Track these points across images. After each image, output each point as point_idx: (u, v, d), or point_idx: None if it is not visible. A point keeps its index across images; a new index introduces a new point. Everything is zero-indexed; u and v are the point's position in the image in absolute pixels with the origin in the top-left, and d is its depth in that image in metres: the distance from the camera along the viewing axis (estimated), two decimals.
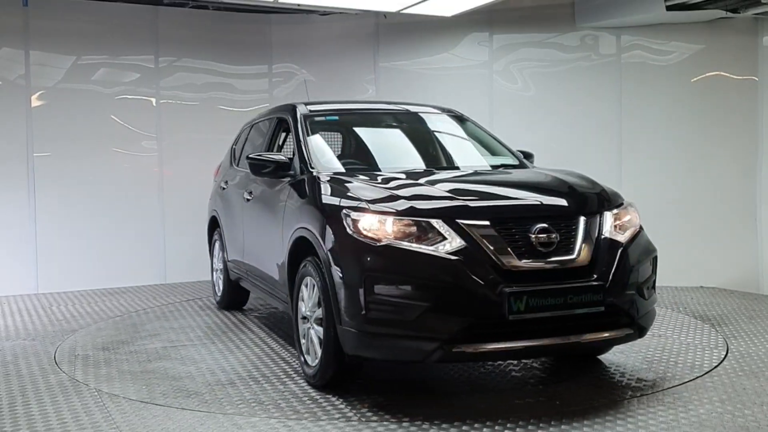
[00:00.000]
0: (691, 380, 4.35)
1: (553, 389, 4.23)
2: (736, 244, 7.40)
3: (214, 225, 6.95)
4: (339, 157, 5.29)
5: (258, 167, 4.96)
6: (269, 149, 5.68)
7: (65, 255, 7.90)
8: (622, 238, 4.11)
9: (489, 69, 8.35)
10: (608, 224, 4.11)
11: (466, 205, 3.96)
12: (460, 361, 4.35)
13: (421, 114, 5.72)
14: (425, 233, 3.82)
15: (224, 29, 8.75)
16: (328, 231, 4.07)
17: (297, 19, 8.87)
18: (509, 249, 3.79)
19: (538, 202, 4.21)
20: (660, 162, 7.70)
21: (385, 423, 3.70)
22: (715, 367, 4.64)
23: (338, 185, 4.38)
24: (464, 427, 3.62)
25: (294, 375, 4.59)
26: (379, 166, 5.02)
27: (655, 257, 4.31)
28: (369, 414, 3.84)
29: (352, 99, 8.30)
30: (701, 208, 7.55)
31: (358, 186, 4.32)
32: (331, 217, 4.10)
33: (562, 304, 3.78)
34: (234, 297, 6.65)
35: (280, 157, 4.99)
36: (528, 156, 5.35)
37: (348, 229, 3.94)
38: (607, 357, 4.87)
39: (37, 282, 7.81)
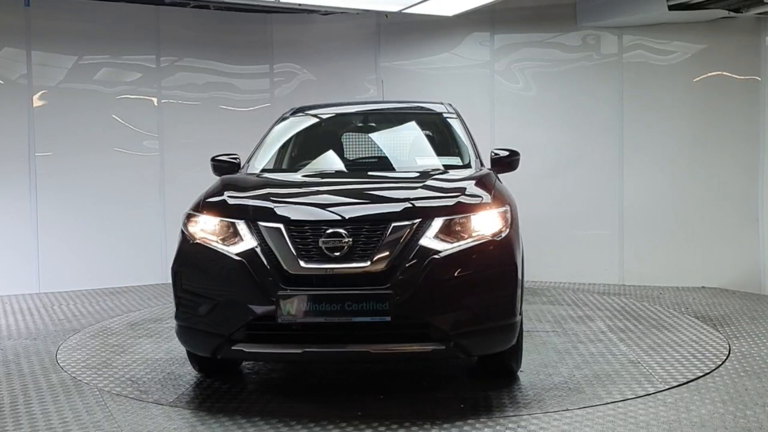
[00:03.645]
0: (692, 380, 4.34)
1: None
2: (738, 244, 7.39)
3: None
4: (289, 158, 5.37)
5: (215, 168, 5.11)
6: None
7: (66, 254, 7.90)
8: (443, 246, 3.79)
9: (490, 69, 8.34)
10: (431, 232, 3.81)
11: (269, 208, 4.05)
12: (242, 359, 4.26)
13: (398, 113, 5.79)
14: (229, 233, 3.96)
15: (226, 29, 8.75)
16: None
17: (298, 18, 8.87)
18: (295, 252, 3.77)
19: (344, 208, 4.00)
20: (662, 162, 7.70)
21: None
22: (717, 367, 4.63)
23: (220, 184, 4.53)
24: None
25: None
26: (305, 167, 5.20)
27: (510, 271, 3.92)
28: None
29: (351, 99, 8.30)
30: (703, 208, 7.55)
31: (229, 183, 4.50)
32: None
33: (338, 311, 3.66)
34: None
35: (232, 159, 5.12)
36: (514, 154, 5.05)
37: (182, 226, 4.22)
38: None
39: (39, 281, 7.81)
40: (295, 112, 5.79)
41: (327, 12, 8.64)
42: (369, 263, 3.74)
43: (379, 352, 3.73)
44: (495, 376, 4.37)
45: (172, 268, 4.14)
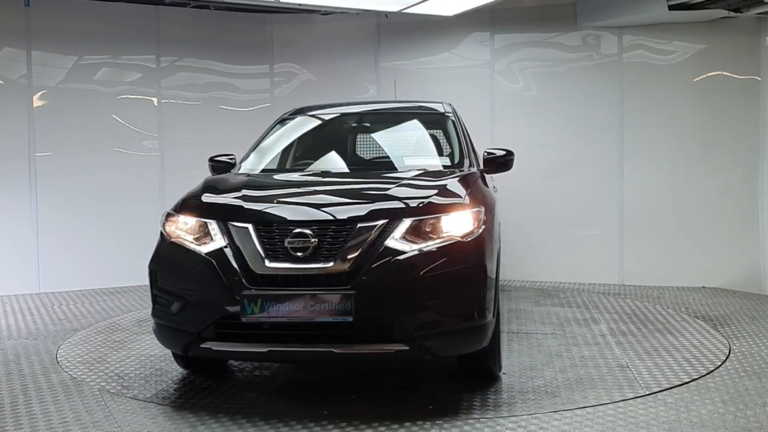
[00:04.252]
0: (693, 380, 4.34)
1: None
2: (738, 244, 7.40)
3: None
4: (278, 159, 5.41)
5: (213, 168, 5.28)
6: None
7: (67, 254, 7.90)
8: (409, 247, 3.78)
9: (490, 69, 8.35)
10: (398, 233, 3.81)
11: (240, 208, 4.09)
12: (211, 357, 4.28)
13: (392, 114, 5.80)
14: (202, 233, 4.02)
15: (226, 29, 8.75)
16: None
17: (298, 18, 8.87)
18: (262, 252, 3.81)
19: (312, 208, 4.05)
20: (661, 162, 7.70)
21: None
22: (717, 367, 4.63)
23: (203, 184, 4.61)
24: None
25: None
26: (290, 168, 5.28)
27: (478, 273, 3.87)
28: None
29: (351, 100, 8.30)
30: (703, 208, 7.55)
31: (210, 184, 4.58)
32: None
33: (301, 311, 3.69)
34: None
35: (230, 159, 5.28)
36: (508, 155, 5.01)
37: (160, 226, 4.27)
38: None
39: (39, 281, 7.81)
40: (293, 113, 5.84)
41: (327, 12, 8.65)
42: (332, 264, 3.75)
43: (342, 352, 3.72)
44: (475, 378, 4.34)
45: (149, 266, 4.21)
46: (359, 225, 3.82)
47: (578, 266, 7.98)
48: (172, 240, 4.13)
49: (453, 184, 4.32)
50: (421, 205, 3.96)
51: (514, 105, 8.25)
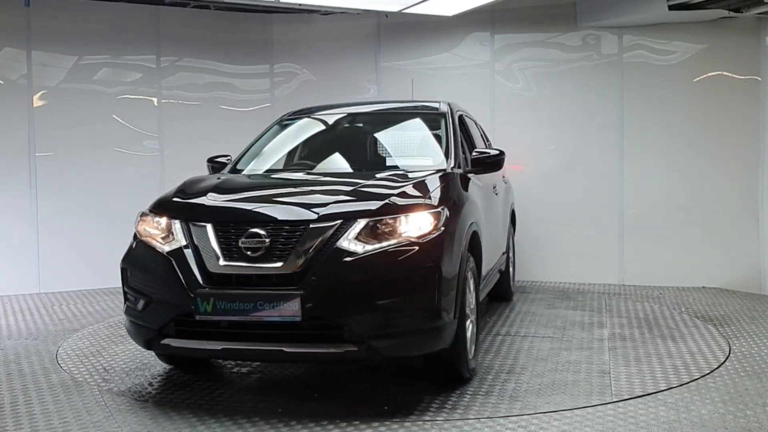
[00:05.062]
0: (693, 380, 4.34)
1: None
2: (739, 244, 7.40)
3: None
4: (260, 159, 5.43)
5: (212, 169, 5.40)
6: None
7: (67, 254, 7.90)
8: (361, 248, 3.78)
9: (490, 69, 8.35)
10: (352, 234, 3.81)
11: (202, 207, 4.19)
12: (171, 353, 4.31)
13: (385, 114, 5.81)
14: (167, 232, 4.12)
15: (226, 29, 8.75)
16: None
17: (298, 18, 8.87)
18: (218, 252, 3.89)
19: (270, 209, 4.09)
20: (662, 162, 7.70)
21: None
22: (717, 367, 4.63)
23: (180, 184, 4.68)
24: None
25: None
26: (269, 169, 5.29)
27: (431, 274, 3.81)
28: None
29: (351, 100, 8.30)
30: (703, 208, 7.55)
31: (186, 184, 4.64)
32: None
33: (251, 310, 3.73)
34: None
35: (228, 160, 5.40)
36: (497, 155, 4.95)
37: (134, 225, 4.37)
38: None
39: (39, 281, 7.82)
40: (292, 114, 5.89)
41: (327, 12, 8.64)
42: (282, 264, 3.78)
43: (292, 351, 3.76)
44: (444, 380, 4.28)
45: (120, 264, 4.31)
46: (312, 226, 3.84)
47: (578, 266, 7.98)
48: (141, 239, 4.25)
49: (419, 185, 4.30)
50: (377, 206, 3.95)
51: (514, 105, 8.25)
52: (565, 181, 8.03)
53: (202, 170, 5.57)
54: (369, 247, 3.79)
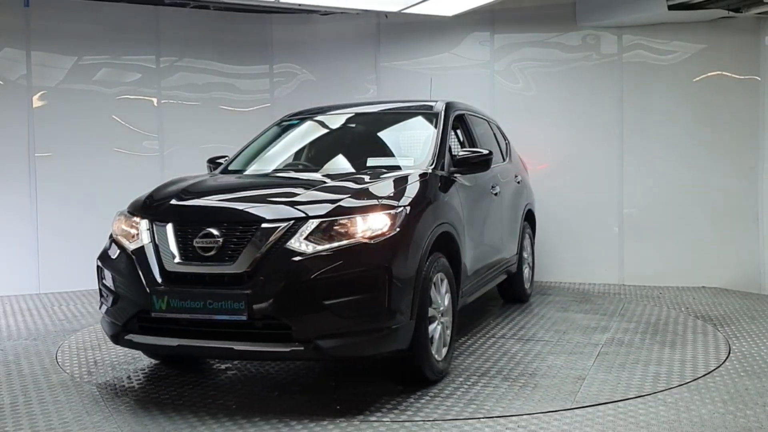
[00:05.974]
0: (693, 380, 4.34)
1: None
2: (738, 244, 7.40)
3: None
4: (245, 160, 5.46)
5: (210, 168, 5.52)
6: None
7: (66, 255, 7.89)
8: (311, 249, 3.80)
9: (490, 69, 8.35)
10: (303, 234, 3.84)
11: (166, 207, 4.28)
12: (133, 348, 4.38)
13: (379, 114, 5.81)
14: (135, 231, 4.26)
15: (225, 29, 8.75)
16: None
17: (298, 18, 8.87)
18: (175, 251, 4.00)
19: (224, 209, 4.26)
20: (661, 161, 7.70)
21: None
22: (717, 367, 4.63)
23: (160, 185, 4.79)
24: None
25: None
26: (250, 169, 5.31)
27: (380, 275, 3.80)
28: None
29: (351, 100, 8.30)
30: (703, 208, 7.55)
31: (165, 184, 4.76)
32: None
33: (201, 308, 3.83)
34: None
35: (224, 159, 5.51)
36: (480, 156, 4.97)
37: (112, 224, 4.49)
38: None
39: (39, 282, 7.81)
40: (291, 116, 5.92)
41: (327, 12, 8.65)
42: (232, 264, 3.86)
43: (241, 349, 3.84)
44: (412, 381, 4.24)
45: (96, 261, 4.47)
46: (264, 226, 3.89)
47: (578, 266, 7.98)
48: (114, 238, 4.40)
49: (383, 185, 4.30)
50: (330, 207, 3.96)
51: (514, 105, 8.25)
52: (565, 180, 8.03)
53: (202, 170, 5.58)
54: (319, 248, 3.82)
